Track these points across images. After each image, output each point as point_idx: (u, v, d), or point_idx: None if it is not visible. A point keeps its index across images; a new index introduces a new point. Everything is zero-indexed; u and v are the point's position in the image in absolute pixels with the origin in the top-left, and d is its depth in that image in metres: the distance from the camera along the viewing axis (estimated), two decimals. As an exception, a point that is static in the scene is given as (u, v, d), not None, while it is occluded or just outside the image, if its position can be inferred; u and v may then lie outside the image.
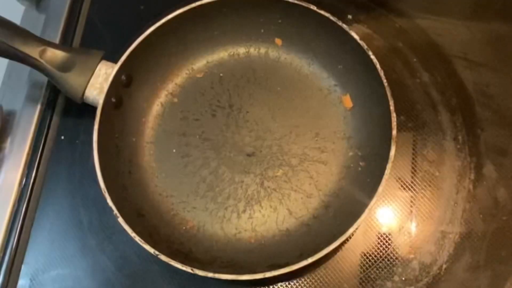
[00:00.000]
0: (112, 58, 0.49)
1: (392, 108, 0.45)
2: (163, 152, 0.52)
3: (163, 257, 0.41)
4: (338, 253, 0.48)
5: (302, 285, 0.47)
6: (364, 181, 0.47)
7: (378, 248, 0.48)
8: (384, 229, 0.49)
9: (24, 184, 0.52)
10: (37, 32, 0.57)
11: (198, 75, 0.55)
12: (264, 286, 0.47)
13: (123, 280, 0.48)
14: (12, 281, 0.49)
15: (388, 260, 0.48)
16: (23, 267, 0.49)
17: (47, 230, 0.51)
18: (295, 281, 0.47)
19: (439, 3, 0.59)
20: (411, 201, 0.50)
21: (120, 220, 0.42)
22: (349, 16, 0.58)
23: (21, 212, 0.51)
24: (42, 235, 0.51)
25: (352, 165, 0.50)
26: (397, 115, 0.45)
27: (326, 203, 0.49)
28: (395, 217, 0.49)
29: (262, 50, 0.56)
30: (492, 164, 0.51)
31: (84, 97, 0.48)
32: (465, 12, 0.59)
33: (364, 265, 0.47)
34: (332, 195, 0.49)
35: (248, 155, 0.52)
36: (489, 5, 0.59)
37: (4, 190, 0.51)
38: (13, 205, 0.51)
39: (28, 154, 0.53)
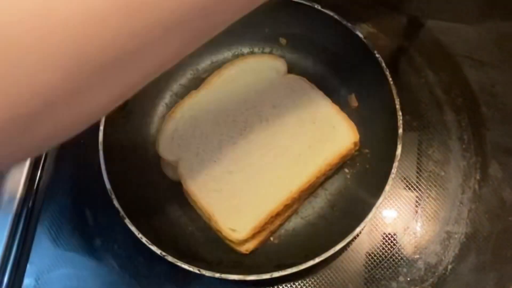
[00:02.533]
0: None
1: (398, 106, 0.45)
2: (168, 152, 0.52)
3: (170, 258, 0.41)
4: (343, 253, 0.48)
5: (307, 285, 0.47)
6: (370, 180, 0.47)
7: (383, 248, 0.48)
8: (389, 229, 0.49)
9: (29, 184, 0.52)
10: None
11: (203, 76, 0.55)
12: (269, 286, 0.47)
13: (128, 280, 0.49)
14: (17, 281, 0.49)
15: (393, 260, 0.48)
16: (28, 266, 0.49)
17: (52, 230, 0.51)
18: (299, 281, 0.47)
19: (444, 2, 0.59)
20: (417, 201, 0.50)
21: (127, 221, 0.43)
22: (354, 15, 0.58)
23: (27, 212, 0.51)
24: (47, 235, 0.51)
25: (358, 164, 0.50)
26: (402, 114, 0.45)
27: (332, 202, 0.49)
28: (400, 217, 0.49)
29: (267, 50, 0.56)
30: (498, 163, 0.51)
31: (89, 98, 0.48)
32: (471, 11, 0.58)
33: (369, 265, 0.48)
34: (338, 194, 0.50)
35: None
36: (495, 4, 0.58)
37: (9, 190, 0.51)
38: (18, 205, 0.51)
39: (33, 154, 0.53)
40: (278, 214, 0.46)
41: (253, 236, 0.45)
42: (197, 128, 0.49)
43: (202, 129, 0.49)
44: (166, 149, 0.49)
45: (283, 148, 0.47)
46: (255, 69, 0.52)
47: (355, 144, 0.48)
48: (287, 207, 0.46)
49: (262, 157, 0.47)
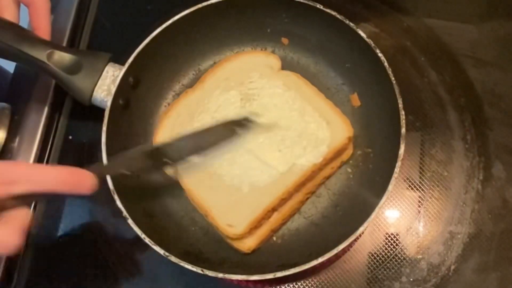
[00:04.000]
0: (120, 59, 0.49)
1: (400, 106, 0.45)
2: (171, 152, 0.52)
3: (173, 258, 0.41)
4: (345, 254, 0.48)
5: (310, 285, 0.47)
6: (373, 180, 0.47)
7: (386, 249, 0.48)
8: (392, 229, 0.49)
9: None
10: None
11: (205, 76, 0.55)
12: (272, 286, 0.47)
13: (132, 281, 0.49)
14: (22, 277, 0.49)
15: (396, 260, 0.48)
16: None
17: (54, 229, 0.51)
18: (302, 281, 0.47)
19: (447, 2, 0.59)
20: (419, 201, 0.50)
21: (130, 221, 0.43)
22: (356, 15, 0.57)
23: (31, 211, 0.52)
24: (51, 234, 0.51)
25: (360, 163, 0.50)
26: (404, 114, 0.45)
27: (335, 202, 0.49)
28: (403, 217, 0.49)
29: (269, 50, 0.56)
30: (501, 164, 0.51)
31: (92, 100, 0.48)
32: (474, 11, 0.58)
33: (371, 266, 0.48)
34: (341, 194, 0.50)
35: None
36: (499, 4, 0.58)
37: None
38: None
39: (36, 154, 0.53)
40: (274, 209, 0.46)
41: (251, 231, 0.45)
42: (192, 126, 0.50)
43: (198, 127, 0.49)
44: None
45: (278, 142, 0.48)
46: (249, 65, 0.52)
47: (349, 139, 0.48)
48: (283, 201, 0.46)
49: (257, 152, 0.47)
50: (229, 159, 0.47)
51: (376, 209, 0.42)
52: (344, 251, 0.46)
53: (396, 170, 0.43)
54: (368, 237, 0.48)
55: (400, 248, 0.48)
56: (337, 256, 0.47)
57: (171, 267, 0.43)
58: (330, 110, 0.49)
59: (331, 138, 0.48)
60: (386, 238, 0.48)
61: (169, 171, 0.50)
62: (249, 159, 0.47)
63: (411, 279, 0.47)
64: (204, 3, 0.50)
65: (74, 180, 0.37)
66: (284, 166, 0.46)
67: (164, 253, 0.42)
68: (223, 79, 0.52)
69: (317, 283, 0.47)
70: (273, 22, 0.54)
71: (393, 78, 0.46)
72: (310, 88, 0.51)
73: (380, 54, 0.47)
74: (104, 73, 0.48)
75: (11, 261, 0.49)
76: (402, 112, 0.45)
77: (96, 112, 0.48)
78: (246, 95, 0.50)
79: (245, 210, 0.45)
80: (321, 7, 0.49)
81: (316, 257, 0.41)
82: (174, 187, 0.50)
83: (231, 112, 0.50)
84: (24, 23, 0.48)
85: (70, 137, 0.55)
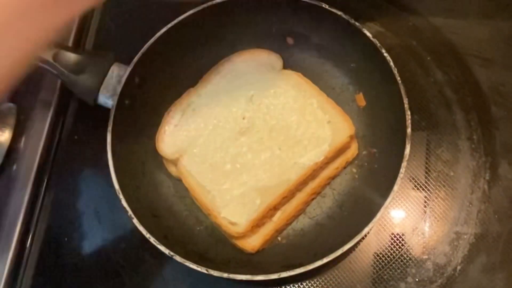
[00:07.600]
0: (125, 59, 0.49)
1: (406, 106, 0.45)
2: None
3: (178, 258, 0.42)
4: (351, 254, 0.48)
5: (315, 285, 0.47)
6: (378, 180, 0.47)
7: (392, 249, 0.48)
8: (397, 230, 0.49)
9: (39, 183, 0.53)
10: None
11: (210, 75, 0.55)
12: (277, 286, 0.47)
13: (135, 279, 0.49)
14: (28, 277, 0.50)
15: (402, 261, 0.48)
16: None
17: (60, 231, 0.51)
18: (307, 282, 0.47)
19: (453, 1, 0.58)
20: (425, 201, 0.49)
21: (135, 221, 0.43)
22: (362, 15, 0.57)
23: (36, 212, 0.52)
24: (56, 236, 0.51)
25: (366, 164, 0.50)
26: (410, 114, 0.45)
27: (340, 202, 0.49)
28: (408, 218, 0.49)
29: (274, 49, 0.56)
30: (507, 163, 0.50)
31: (98, 99, 0.49)
32: (480, 10, 0.58)
33: (377, 266, 0.47)
34: (346, 194, 0.50)
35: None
36: (505, 3, 0.58)
37: (19, 189, 0.52)
38: (27, 204, 0.51)
39: (42, 154, 0.53)
40: (276, 208, 0.46)
41: (253, 230, 0.45)
42: (194, 125, 0.50)
43: (199, 126, 0.50)
44: (165, 147, 0.49)
45: (280, 141, 0.48)
46: (251, 64, 0.52)
47: (351, 137, 0.48)
48: (285, 199, 0.46)
49: (259, 151, 0.47)
50: (231, 158, 0.47)
51: (382, 209, 0.42)
52: (349, 251, 0.46)
53: (402, 170, 0.43)
54: (374, 238, 0.48)
55: (406, 248, 0.48)
56: (342, 256, 0.47)
57: (176, 267, 0.43)
58: (332, 109, 0.49)
59: (332, 136, 0.48)
60: (392, 239, 0.48)
61: (172, 169, 0.50)
62: (251, 158, 0.47)
63: (417, 280, 0.47)
64: (209, 3, 0.50)
65: None
66: (286, 165, 0.46)
67: (169, 253, 0.42)
68: (225, 77, 0.52)
69: (322, 284, 0.47)
70: (278, 22, 0.54)
71: (398, 78, 0.46)
72: (312, 87, 0.51)
73: (385, 54, 0.47)
74: (109, 73, 0.48)
75: (16, 261, 0.50)
76: (408, 112, 0.45)
77: (101, 112, 0.48)
78: (248, 94, 0.50)
79: (247, 208, 0.45)
80: (327, 7, 0.49)
81: (321, 258, 0.41)
82: (178, 186, 0.50)
83: (233, 112, 0.50)
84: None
85: (76, 137, 0.55)
